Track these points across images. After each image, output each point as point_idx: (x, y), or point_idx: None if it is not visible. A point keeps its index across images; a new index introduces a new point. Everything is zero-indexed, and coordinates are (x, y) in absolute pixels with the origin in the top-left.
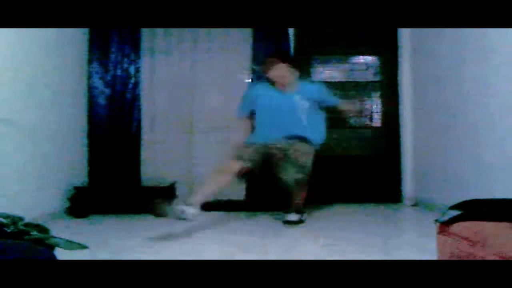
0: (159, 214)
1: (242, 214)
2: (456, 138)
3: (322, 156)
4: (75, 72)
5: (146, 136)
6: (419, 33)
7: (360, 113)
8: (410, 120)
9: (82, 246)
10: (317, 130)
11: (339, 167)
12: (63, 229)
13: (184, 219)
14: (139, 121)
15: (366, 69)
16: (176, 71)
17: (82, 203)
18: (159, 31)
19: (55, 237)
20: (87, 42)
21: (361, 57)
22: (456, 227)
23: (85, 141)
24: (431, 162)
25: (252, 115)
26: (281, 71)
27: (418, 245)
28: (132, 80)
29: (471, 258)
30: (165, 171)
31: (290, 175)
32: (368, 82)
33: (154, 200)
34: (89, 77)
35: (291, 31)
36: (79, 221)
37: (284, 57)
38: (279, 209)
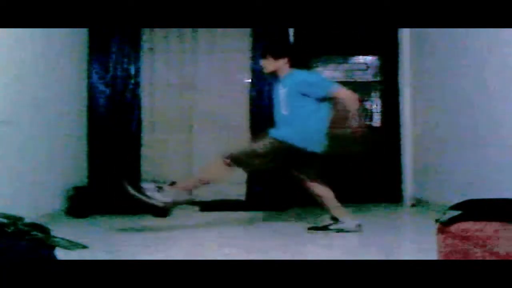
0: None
1: (242, 214)
2: (456, 138)
3: (322, 156)
4: (75, 72)
5: (146, 136)
6: (419, 33)
7: (359, 112)
8: (410, 120)
9: (82, 246)
10: (292, 126)
11: (339, 167)
12: (63, 229)
13: None
14: (139, 121)
15: (366, 69)
16: (176, 71)
17: (82, 203)
18: (159, 31)
19: (55, 237)
20: (87, 42)
21: (361, 57)
22: (456, 227)
23: (85, 141)
24: (431, 162)
25: None
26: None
27: (418, 245)
28: (132, 80)
29: (471, 258)
30: (165, 171)
31: None
32: (368, 82)
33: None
34: (89, 77)
35: (291, 31)
36: (79, 221)
37: (265, 52)
38: (278, 209)
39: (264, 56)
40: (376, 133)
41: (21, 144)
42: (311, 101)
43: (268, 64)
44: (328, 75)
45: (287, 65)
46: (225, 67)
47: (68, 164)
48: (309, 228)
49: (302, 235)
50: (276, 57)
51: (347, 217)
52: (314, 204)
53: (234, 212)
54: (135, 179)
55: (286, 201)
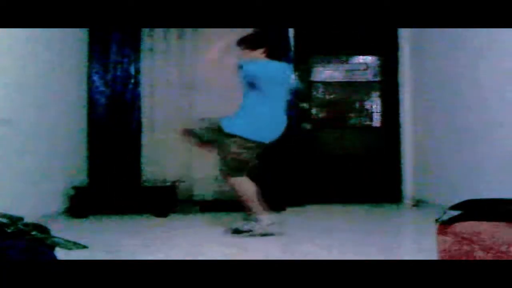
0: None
1: (242, 214)
2: (456, 138)
3: (323, 156)
4: (75, 72)
5: (146, 136)
6: (419, 33)
7: None
8: (410, 120)
9: (82, 246)
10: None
11: (339, 166)
12: (63, 229)
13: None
14: (139, 121)
15: (366, 69)
16: (176, 71)
17: (82, 203)
18: (159, 31)
19: (55, 237)
20: (87, 42)
21: (361, 57)
22: (456, 227)
23: (85, 141)
24: (431, 162)
25: None
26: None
27: (418, 245)
28: (132, 80)
29: (471, 258)
30: (165, 171)
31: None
32: (368, 82)
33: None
34: (89, 77)
35: (291, 31)
36: (79, 221)
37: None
38: (278, 209)
39: (240, 46)
40: (376, 133)
41: (21, 144)
42: (259, 91)
43: (244, 55)
44: (328, 75)
45: (263, 56)
46: (225, 67)
47: (68, 164)
48: (233, 232)
49: (302, 234)
50: (253, 47)
51: (265, 215)
52: (313, 204)
53: (234, 212)
54: (135, 179)
55: (286, 201)
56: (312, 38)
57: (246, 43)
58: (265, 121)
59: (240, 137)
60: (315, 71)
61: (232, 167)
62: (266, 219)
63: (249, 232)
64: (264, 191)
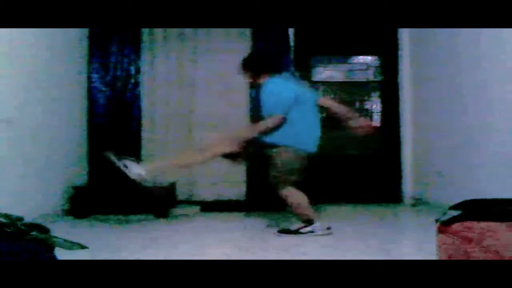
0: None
1: (242, 214)
2: (456, 138)
3: (322, 156)
4: (75, 72)
5: (146, 135)
6: (419, 33)
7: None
8: (410, 120)
9: (82, 246)
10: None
11: (339, 167)
12: (63, 229)
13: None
14: (139, 120)
15: (366, 69)
16: (176, 71)
17: (82, 203)
18: (159, 31)
19: (55, 237)
20: (87, 42)
21: (361, 57)
22: (456, 227)
23: (85, 141)
24: (431, 162)
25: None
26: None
27: (418, 245)
28: (132, 80)
29: (470, 258)
30: (165, 171)
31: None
32: (368, 82)
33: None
34: (89, 77)
35: (291, 31)
36: (79, 221)
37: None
38: (278, 210)
39: (244, 70)
40: (376, 133)
41: (21, 144)
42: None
43: (249, 77)
44: (328, 75)
45: (267, 76)
46: (225, 67)
47: (68, 164)
48: (279, 231)
49: (302, 234)
50: (256, 74)
51: (318, 220)
52: (313, 204)
53: (234, 212)
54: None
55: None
56: (312, 38)
57: (250, 70)
58: (306, 132)
59: (284, 146)
60: (316, 71)
61: (278, 179)
62: (319, 225)
63: (297, 234)
64: (266, 191)
